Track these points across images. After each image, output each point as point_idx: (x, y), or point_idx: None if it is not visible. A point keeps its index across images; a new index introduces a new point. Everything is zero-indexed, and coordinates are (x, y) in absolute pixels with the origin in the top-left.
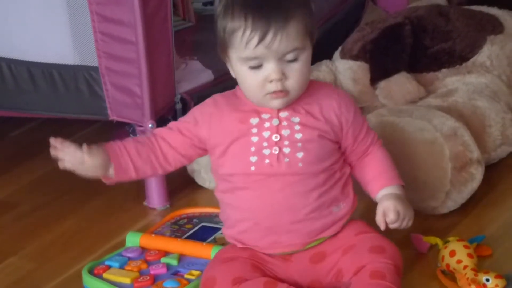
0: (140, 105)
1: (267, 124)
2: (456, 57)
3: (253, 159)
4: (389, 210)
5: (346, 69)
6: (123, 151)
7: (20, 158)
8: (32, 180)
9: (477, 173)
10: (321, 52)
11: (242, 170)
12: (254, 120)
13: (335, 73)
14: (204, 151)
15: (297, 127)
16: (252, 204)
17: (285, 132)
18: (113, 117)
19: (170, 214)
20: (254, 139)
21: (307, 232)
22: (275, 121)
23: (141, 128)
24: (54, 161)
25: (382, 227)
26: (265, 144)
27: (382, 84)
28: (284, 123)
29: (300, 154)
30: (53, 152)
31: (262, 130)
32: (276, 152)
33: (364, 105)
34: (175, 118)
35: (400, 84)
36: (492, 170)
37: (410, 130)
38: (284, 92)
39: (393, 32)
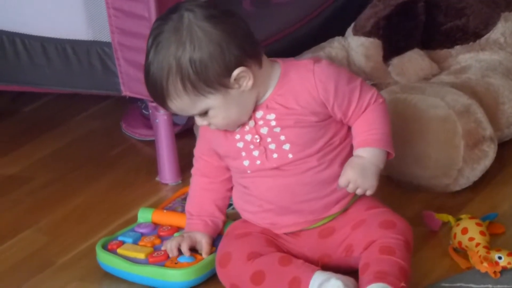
0: None
1: (246, 128)
2: (469, 34)
3: (246, 162)
4: (342, 175)
5: (358, 46)
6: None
7: (34, 133)
8: (45, 155)
9: (490, 151)
10: (333, 28)
11: (240, 172)
12: (237, 127)
13: (347, 49)
14: None
15: (273, 123)
16: (253, 189)
17: (263, 131)
18: (125, 92)
19: (180, 190)
20: (240, 144)
21: (310, 211)
22: (251, 123)
23: (153, 104)
24: (67, 136)
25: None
26: (252, 146)
27: (395, 61)
28: (260, 122)
29: (286, 146)
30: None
31: (244, 134)
32: (263, 152)
33: (377, 82)
34: None
35: (413, 61)
36: (505, 147)
37: (423, 107)
38: (218, 128)
39: (406, 8)
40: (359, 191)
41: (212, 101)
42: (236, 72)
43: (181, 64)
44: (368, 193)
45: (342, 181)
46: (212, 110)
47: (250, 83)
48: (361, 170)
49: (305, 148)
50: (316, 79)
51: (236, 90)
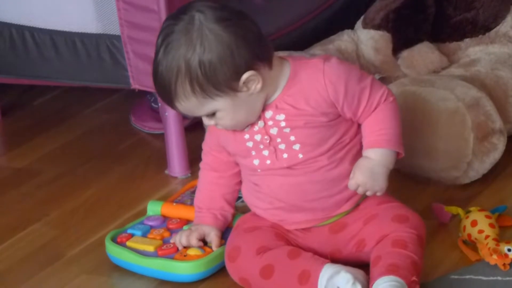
0: None
1: (256, 128)
2: (479, 27)
3: (256, 162)
4: (351, 178)
5: (368, 39)
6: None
7: (43, 126)
8: (54, 148)
9: (500, 143)
10: (343, 21)
11: (250, 170)
12: (246, 127)
13: (356, 42)
14: None
15: (283, 124)
16: (263, 187)
17: (273, 131)
18: (135, 86)
19: (190, 183)
20: (249, 144)
21: (321, 209)
22: (260, 123)
23: None
24: (76, 130)
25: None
26: (261, 146)
27: (405, 54)
28: (270, 122)
29: (296, 146)
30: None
31: (253, 134)
32: (273, 152)
33: (386, 75)
34: None
35: (423, 54)
36: None
37: (432, 100)
38: (225, 128)
39: (416, 1)
40: (369, 193)
41: (220, 103)
42: (245, 76)
43: (190, 66)
44: (378, 194)
45: (351, 184)
46: (220, 112)
47: (259, 86)
48: (370, 173)
49: (315, 148)
50: (326, 79)
51: (244, 93)
